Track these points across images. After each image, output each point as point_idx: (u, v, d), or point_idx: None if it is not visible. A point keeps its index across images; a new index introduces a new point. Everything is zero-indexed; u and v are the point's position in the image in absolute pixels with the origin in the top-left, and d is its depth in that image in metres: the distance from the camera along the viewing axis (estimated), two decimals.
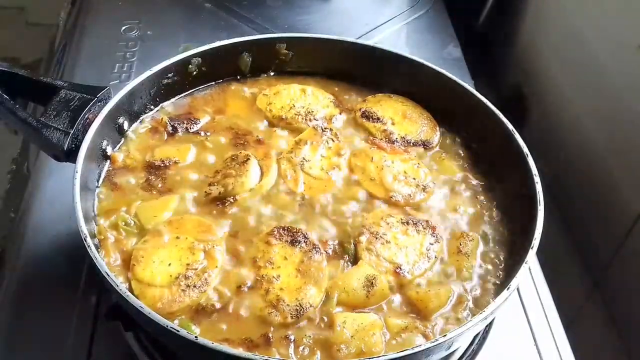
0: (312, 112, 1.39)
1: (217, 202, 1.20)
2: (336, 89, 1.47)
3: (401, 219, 1.19)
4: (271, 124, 1.37)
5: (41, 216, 1.38)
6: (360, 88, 1.47)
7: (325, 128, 1.34)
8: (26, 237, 1.35)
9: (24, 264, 1.30)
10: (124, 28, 1.87)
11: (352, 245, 1.16)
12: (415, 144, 1.35)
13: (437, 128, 1.39)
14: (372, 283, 1.08)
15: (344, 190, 1.25)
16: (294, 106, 1.39)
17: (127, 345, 1.17)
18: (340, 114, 1.41)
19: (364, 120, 1.38)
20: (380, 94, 1.44)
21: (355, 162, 1.29)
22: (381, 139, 1.35)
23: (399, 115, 1.39)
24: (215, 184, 1.21)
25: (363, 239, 1.15)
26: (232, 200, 1.20)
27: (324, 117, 1.39)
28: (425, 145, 1.35)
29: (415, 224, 1.19)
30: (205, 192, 1.21)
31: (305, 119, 1.37)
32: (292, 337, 1.02)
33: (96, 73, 1.71)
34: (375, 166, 1.28)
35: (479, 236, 1.20)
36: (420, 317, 1.07)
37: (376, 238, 1.16)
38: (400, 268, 1.13)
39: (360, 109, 1.40)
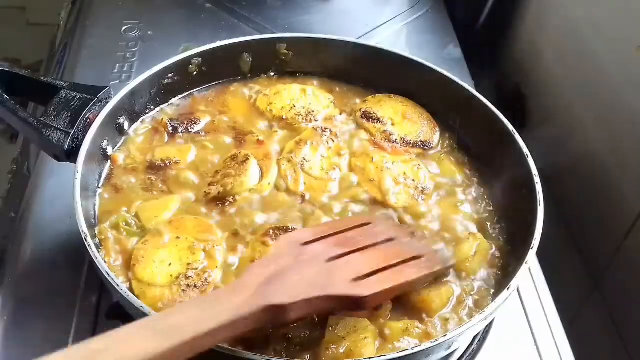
0: (313, 112, 1.39)
1: (217, 202, 1.20)
2: (336, 89, 1.48)
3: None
4: (272, 125, 1.37)
5: (41, 216, 1.38)
6: (360, 88, 1.47)
7: (325, 128, 1.34)
8: (26, 237, 1.35)
9: (24, 264, 1.30)
10: (124, 28, 1.87)
11: None
12: (415, 145, 1.35)
13: (437, 128, 1.39)
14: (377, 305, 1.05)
15: (345, 191, 1.25)
16: (295, 106, 1.39)
17: None
18: (340, 114, 1.41)
19: (364, 121, 1.38)
20: (380, 94, 1.44)
21: (356, 163, 1.29)
22: (382, 140, 1.35)
23: (399, 116, 1.39)
24: (215, 184, 1.22)
25: None
26: (232, 200, 1.20)
27: (324, 118, 1.39)
28: (425, 145, 1.35)
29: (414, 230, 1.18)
30: (205, 192, 1.21)
31: (306, 120, 1.37)
32: (289, 337, 1.01)
33: (97, 73, 1.71)
34: (375, 167, 1.28)
35: (479, 236, 1.19)
36: (420, 319, 1.07)
37: None
38: None
39: (360, 110, 1.40)
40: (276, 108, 1.39)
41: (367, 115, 1.38)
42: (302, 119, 1.37)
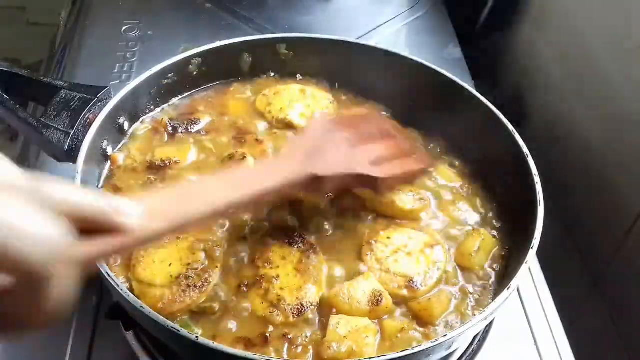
0: (312, 113, 1.38)
1: None
2: (336, 89, 1.48)
3: (405, 229, 1.18)
4: (271, 125, 1.37)
5: None
6: (359, 88, 1.47)
7: None
8: None
9: None
10: (124, 28, 1.87)
11: (356, 254, 1.15)
12: None
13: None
14: (378, 300, 1.06)
15: (346, 198, 1.23)
16: (294, 107, 1.39)
17: (128, 345, 1.17)
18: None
19: None
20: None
21: None
22: None
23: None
24: None
25: (367, 250, 1.14)
26: None
27: None
28: None
29: (417, 234, 1.18)
30: None
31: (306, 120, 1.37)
32: (289, 336, 1.02)
33: (97, 73, 1.71)
34: None
35: (479, 237, 1.19)
36: (423, 324, 1.06)
37: (381, 250, 1.14)
38: (413, 281, 1.10)
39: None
40: (275, 109, 1.39)
41: None
42: (302, 120, 1.37)
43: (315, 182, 1.05)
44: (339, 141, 1.15)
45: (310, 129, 1.18)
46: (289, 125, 1.37)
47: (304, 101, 1.41)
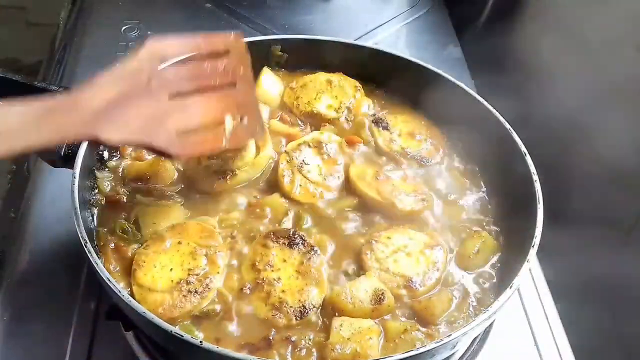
0: (340, 103, 1.39)
1: (219, 176, 1.20)
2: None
3: (406, 229, 1.18)
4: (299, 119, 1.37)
5: (41, 217, 1.38)
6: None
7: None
8: (26, 238, 1.35)
9: (24, 265, 1.31)
10: (124, 28, 1.87)
11: (356, 255, 1.15)
12: (412, 157, 1.32)
13: (441, 150, 1.36)
14: (380, 299, 1.06)
15: (344, 199, 1.24)
16: (321, 99, 1.38)
17: (127, 345, 1.17)
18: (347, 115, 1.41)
19: (372, 125, 1.37)
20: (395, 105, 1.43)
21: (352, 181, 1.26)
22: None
23: (406, 133, 1.37)
24: (215, 157, 1.22)
25: (367, 250, 1.14)
26: (232, 173, 1.20)
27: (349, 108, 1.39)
28: (422, 161, 1.32)
29: (417, 235, 1.18)
30: (205, 165, 1.21)
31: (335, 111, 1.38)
32: (293, 339, 1.02)
33: (96, 73, 1.70)
34: (373, 173, 1.26)
35: (480, 239, 1.19)
36: (424, 324, 1.07)
37: (381, 250, 1.14)
38: (412, 281, 1.11)
39: (374, 115, 1.39)
40: (302, 102, 1.38)
41: (377, 121, 1.37)
42: (333, 111, 1.38)
43: (96, 141, 0.95)
44: (160, 85, 1.00)
45: (137, 63, 1.00)
46: (317, 118, 1.37)
47: (331, 92, 1.40)
